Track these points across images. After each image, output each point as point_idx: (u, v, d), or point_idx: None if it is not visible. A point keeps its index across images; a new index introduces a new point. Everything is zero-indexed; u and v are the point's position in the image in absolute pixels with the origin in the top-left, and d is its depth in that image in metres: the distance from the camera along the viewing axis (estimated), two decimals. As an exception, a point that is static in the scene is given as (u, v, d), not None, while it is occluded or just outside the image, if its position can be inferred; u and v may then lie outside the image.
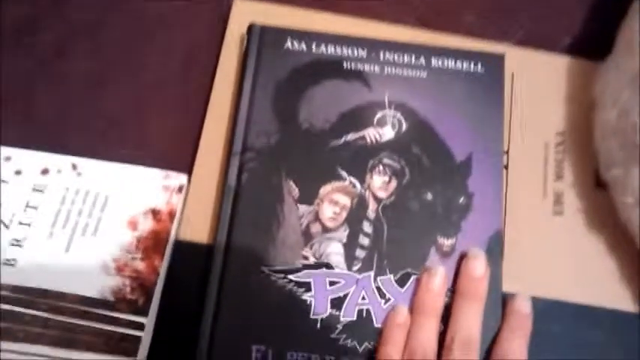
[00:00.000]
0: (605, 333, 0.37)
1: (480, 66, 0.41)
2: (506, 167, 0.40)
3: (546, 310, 0.37)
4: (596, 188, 0.40)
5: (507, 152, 0.41)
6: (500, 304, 0.36)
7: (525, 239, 0.39)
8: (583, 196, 0.40)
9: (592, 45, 0.43)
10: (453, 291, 0.36)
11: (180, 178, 0.39)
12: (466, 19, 0.44)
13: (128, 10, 0.44)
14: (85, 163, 0.39)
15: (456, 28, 0.44)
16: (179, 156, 0.40)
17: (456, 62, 0.41)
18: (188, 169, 0.39)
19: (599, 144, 0.38)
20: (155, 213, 0.38)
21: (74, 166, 0.39)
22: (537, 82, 0.42)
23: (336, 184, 0.38)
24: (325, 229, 0.37)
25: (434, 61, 0.41)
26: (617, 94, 0.36)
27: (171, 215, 0.38)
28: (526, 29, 0.44)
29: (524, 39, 0.44)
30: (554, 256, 0.38)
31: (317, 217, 0.37)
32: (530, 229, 0.39)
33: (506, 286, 0.37)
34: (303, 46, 0.41)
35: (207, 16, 0.44)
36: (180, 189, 0.39)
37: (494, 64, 0.41)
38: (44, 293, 0.36)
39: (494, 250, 0.37)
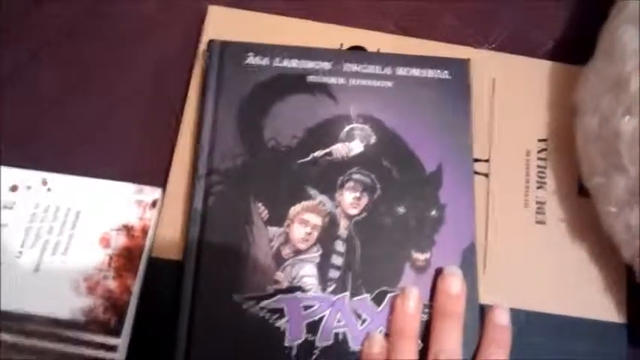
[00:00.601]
0: (589, 344, 0.36)
1: (445, 72, 0.40)
2: (487, 175, 0.39)
3: (529, 322, 0.36)
4: (579, 196, 0.39)
5: (488, 160, 0.40)
6: (478, 316, 0.36)
7: (507, 249, 0.38)
8: (565, 205, 0.39)
9: (574, 49, 0.41)
10: (430, 307, 0.36)
11: (154, 193, 0.38)
12: (446, 24, 0.43)
13: (99, 22, 0.43)
14: (56, 179, 0.39)
15: (436, 34, 0.43)
16: (153, 170, 0.39)
17: (421, 70, 0.40)
18: (162, 183, 0.39)
19: (581, 151, 0.37)
20: (128, 229, 0.37)
21: (44, 182, 0.39)
22: (519, 88, 0.41)
23: (305, 203, 0.37)
24: (297, 251, 0.36)
25: (399, 70, 0.40)
26: (598, 100, 0.35)
27: (145, 231, 0.37)
28: (508, 33, 0.44)
29: (505, 44, 0.43)
30: (537, 266, 0.38)
31: (288, 239, 0.36)
32: (513, 238, 0.38)
33: (488, 298, 0.36)
34: (266, 60, 0.40)
35: (182, 25, 0.43)
36: (154, 204, 0.38)
37: (460, 69, 0.40)
38: (11, 316, 0.36)
39: (470, 262, 0.36)
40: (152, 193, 0.38)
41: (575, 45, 0.42)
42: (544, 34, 0.44)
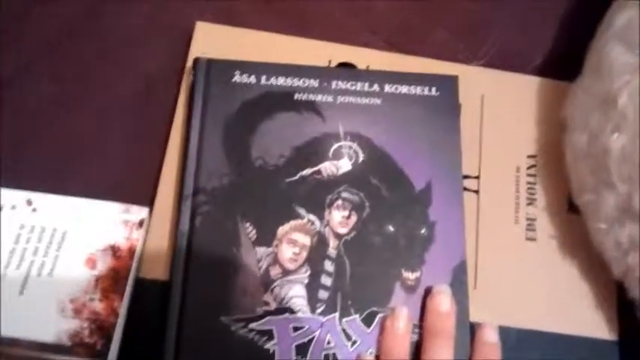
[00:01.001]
0: (582, 361, 0.36)
1: (434, 89, 0.40)
2: (477, 192, 0.39)
3: (520, 339, 0.36)
4: (569, 213, 0.39)
5: (478, 177, 0.39)
6: (468, 334, 0.35)
7: (498, 266, 0.38)
8: (556, 222, 0.39)
9: (564, 65, 0.41)
10: (420, 327, 0.35)
11: (142, 212, 0.37)
12: (437, 39, 0.43)
13: (84, 39, 0.43)
14: (41, 199, 0.37)
15: (426, 49, 0.43)
16: (140, 189, 0.38)
17: (409, 87, 0.40)
18: (150, 203, 0.38)
19: (571, 168, 0.37)
20: (115, 250, 0.36)
21: (29, 202, 0.38)
22: (508, 104, 0.41)
23: (294, 222, 0.36)
24: (285, 272, 0.36)
25: (387, 87, 0.40)
26: (587, 117, 0.35)
27: (132, 252, 0.36)
28: (497, 49, 0.44)
29: (495, 59, 0.43)
30: (528, 283, 0.37)
31: (276, 259, 0.36)
32: (503, 255, 0.38)
33: (479, 316, 0.36)
34: (252, 78, 0.39)
35: (169, 41, 0.42)
36: (140, 223, 0.37)
37: (449, 86, 0.40)
38: (-5, 340, 0.35)
39: (460, 280, 0.36)
40: (139, 212, 0.38)
41: (564, 61, 0.42)
42: (533, 50, 0.44)
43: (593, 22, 0.38)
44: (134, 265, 0.36)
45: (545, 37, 0.44)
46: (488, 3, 0.45)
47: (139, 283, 0.36)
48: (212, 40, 0.41)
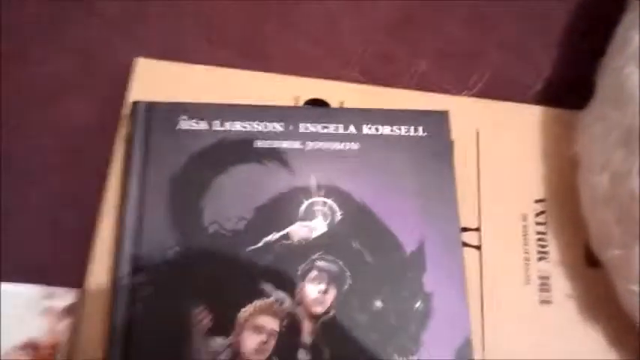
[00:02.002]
0: None
1: (420, 129, 0.35)
2: (479, 248, 0.34)
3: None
4: (589, 267, 0.34)
5: (479, 229, 0.35)
6: None
7: (509, 337, 0.33)
8: (574, 279, 0.34)
9: (568, 91, 0.38)
10: None
11: (68, 297, 0.32)
12: (418, 68, 0.39)
13: (6, 81, 0.37)
14: None
15: (408, 80, 0.38)
16: (67, 267, 0.33)
17: (392, 127, 0.34)
18: (79, 284, 0.32)
19: (589, 215, 0.32)
20: (34, 347, 0.31)
21: None
22: (508, 140, 0.37)
23: (258, 303, 0.30)
24: (249, 366, 0.30)
25: (366, 129, 0.34)
26: (607, 154, 0.31)
27: (55, 348, 0.31)
28: (489, 76, 0.39)
29: (488, 88, 0.38)
30: (545, 354, 0.33)
31: (238, 352, 0.30)
32: (514, 323, 0.33)
33: (487, 395, 0.31)
34: (203, 124, 0.33)
35: (104, 82, 0.37)
36: (67, 311, 0.32)
37: (438, 123, 0.35)
38: None
39: (466, 363, 0.31)
40: (65, 297, 0.32)
41: (568, 86, 0.38)
42: (531, 75, 0.39)
43: (601, 39, 0.34)
44: (59, 363, 0.30)
45: (544, 60, 0.40)
46: (476, 25, 0.40)
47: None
48: (155, 80, 0.36)
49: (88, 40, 0.38)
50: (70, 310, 0.32)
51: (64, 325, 0.32)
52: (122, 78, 0.37)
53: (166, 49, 0.38)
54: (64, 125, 0.36)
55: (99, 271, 0.32)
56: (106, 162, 0.35)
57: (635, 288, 0.30)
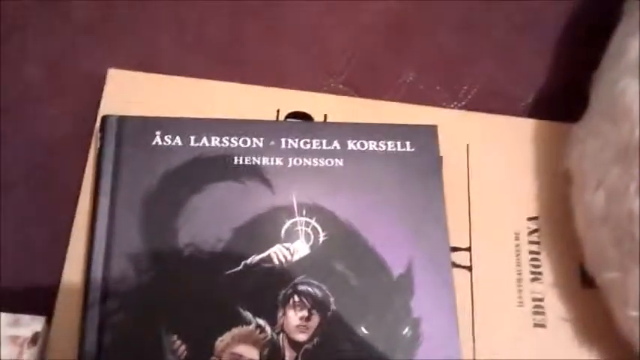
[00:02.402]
0: None
1: (408, 144, 0.33)
2: (470, 268, 0.33)
3: None
4: (584, 287, 0.33)
5: (469, 249, 0.33)
6: None
7: None
8: (568, 300, 0.33)
9: (560, 103, 0.37)
10: None
11: (35, 324, 0.30)
12: (406, 79, 0.37)
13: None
14: None
15: (394, 92, 0.37)
16: (34, 292, 0.31)
17: (378, 142, 0.33)
18: (47, 311, 0.31)
19: (584, 235, 0.31)
20: None
21: None
22: (498, 154, 0.35)
23: (237, 331, 0.29)
24: (227, 400, 0.29)
25: (351, 144, 0.33)
26: (602, 171, 0.29)
27: None
28: (479, 87, 0.38)
29: (478, 100, 0.37)
30: None
31: None
32: (507, 347, 0.32)
33: None
34: (178, 139, 0.32)
35: (74, 95, 0.35)
36: (34, 340, 0.30)
37: (426, 138, 0.34)
38: None
39: (456, 390, 0.29)
40: (32, 324, 0.30)
41: (560, 98, 0.37)
42: (522, 87, 0.38)
43: (594, 49, 0.33)
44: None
45: (535, 71, 0.38)
46: (466, 35, 0.39)
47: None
48: (128, 92, 0.34)
49: (56, 46, 0.36)
50: (37, 338, 0.30)
51: (30, 354, 0.30)
52: (92, 88, 0.35)
53: (139, 56, 0.36)
54: (30, 141, 0.34)
55: (67, 297, 0.31)
56: (76, 181, 0.33)
57: (634, 313, 0.28)
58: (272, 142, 0.33)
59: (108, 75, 0.35)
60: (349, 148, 0.33)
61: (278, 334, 0.29)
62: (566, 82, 0.38)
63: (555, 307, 0.33)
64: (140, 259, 0.30)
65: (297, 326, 0.30)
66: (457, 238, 0.33)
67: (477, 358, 0.32)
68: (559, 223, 0.34)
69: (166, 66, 0.36)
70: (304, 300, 0.30)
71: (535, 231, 0.34)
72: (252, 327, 0.29)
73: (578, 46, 0.39)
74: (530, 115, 0.37)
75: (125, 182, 0.31)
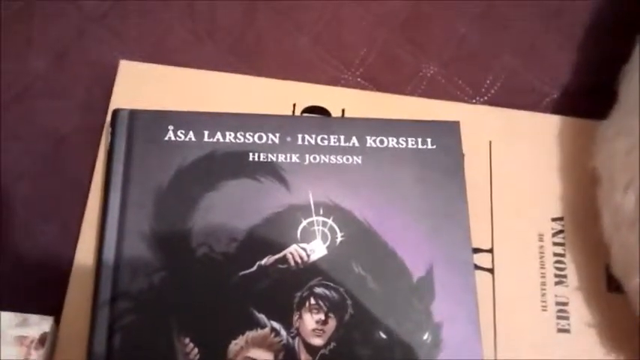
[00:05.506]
0: None
1: (429, 141, 0.32)
2: (492, 271, 0.32)
3: None
4: (609, 292, 0.32)
5: (491, 250, 0.32)
6: None
7: None
8: (594, 305, 0.32)
9: (586, 99, 0.36)
10: None
11: (44, 325, 0.30)
12: (425, 72, 0.36)
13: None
14: None
15: (414, 86, 0.36)
16: (43, 291, 0.31)
17: (398, 139, 0.32)
18: (55, 311, 0.30)
19: (611, 237, 0.30)
20: None
21: None
22: (522, 152, 0.35)
23: (251, 334, 0.28)
24: (240, 405, 0.28)
25: (370, 141, 0.32)
26: (632, 172, 0.29)
27: None
28: (503, 82, 0.37)
29: (501, 95, 0.36)
30: None
31: None
32: (529, 353, 0.31)
33: None
34: (192, 135, 0.31)
35: (84, 86, 0.34)
36: (42, 340, 0.29)
37: (448, 135, 0.33)
38: None
39: (478, 399, 0.28)
40: (40, 325, 0.30)
41: (586, 94, 0.36)
42: (547, 82, 0.37)
43: (621, 43, 0.32)
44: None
45: (560, 65, 0.37)
46: (489, 27, 0.38)
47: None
48: (140, 85, 0.34)
49: (64, 35, 0.36)
50: (45, 339, 0.30)
51: (38, 355, 0.29)
52: (101, 78, 0.34)
53: (150, 46, 0.35)
54: (40, 134, 0.33)
55: (76, 296, 0.30)
56: (87, 177, 0.32)
57: (664, 321, 0.28)
58: (288, 138, 0.32)
59: (119, 67, 0.34)
60: (368, 144, 0.32)
61: (293, 338, 0.29)
62: (593, 77, 0.37)
63: (580, 312, 0.33)
64: (151, 259, 0.29)
65: (314, 330, 0.29)
66: (479, 240, 0.33)
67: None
68: (585, 225, 0.33)
69: (178, 57, 0.35)
70: (321, 303, 0.29)
71: (560, 232, 0.34)
72: (266, 330, 0.29)
73: (605, 40, 0.38)
74: (555, 111, 0.36)
75: (136, 179, 0.30)
